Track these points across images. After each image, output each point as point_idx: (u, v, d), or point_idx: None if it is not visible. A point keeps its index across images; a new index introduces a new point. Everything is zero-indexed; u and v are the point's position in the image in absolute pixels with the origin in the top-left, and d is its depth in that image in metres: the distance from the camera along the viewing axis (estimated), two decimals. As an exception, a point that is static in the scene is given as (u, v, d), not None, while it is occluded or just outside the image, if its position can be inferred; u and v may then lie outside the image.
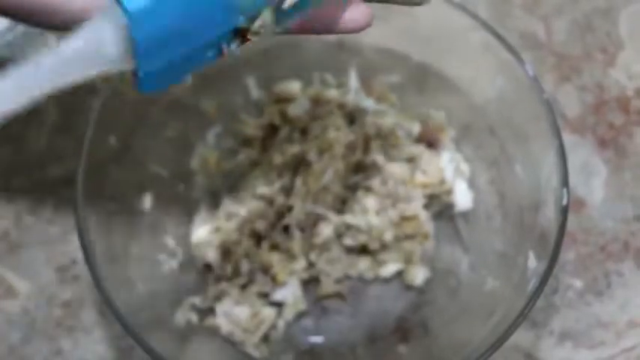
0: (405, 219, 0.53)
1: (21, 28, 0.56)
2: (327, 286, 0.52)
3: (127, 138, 0.51)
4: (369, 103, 0.56)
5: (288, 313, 0.52)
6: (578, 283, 0.53)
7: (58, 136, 0.57)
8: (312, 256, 0.52)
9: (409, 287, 0.53)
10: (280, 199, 0.52)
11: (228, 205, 0.54)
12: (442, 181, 0.54)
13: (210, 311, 0.51)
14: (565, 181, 0.46)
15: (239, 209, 0.53)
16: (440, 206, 0.54)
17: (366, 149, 0.53)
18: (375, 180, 0.53)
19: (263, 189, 0.53)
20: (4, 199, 0.56)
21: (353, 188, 0.53)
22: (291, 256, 0.52)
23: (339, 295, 0.53)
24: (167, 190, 0.54)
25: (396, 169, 0.53)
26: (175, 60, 0.30)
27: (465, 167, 0.54)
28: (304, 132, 0.54)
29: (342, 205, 0.53)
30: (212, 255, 0.52)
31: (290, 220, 0.52)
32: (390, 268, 0.53)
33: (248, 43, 0.32)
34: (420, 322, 0.52)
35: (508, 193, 0.52)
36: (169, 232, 0.53)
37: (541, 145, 0.48)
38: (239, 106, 0.56)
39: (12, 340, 0.52)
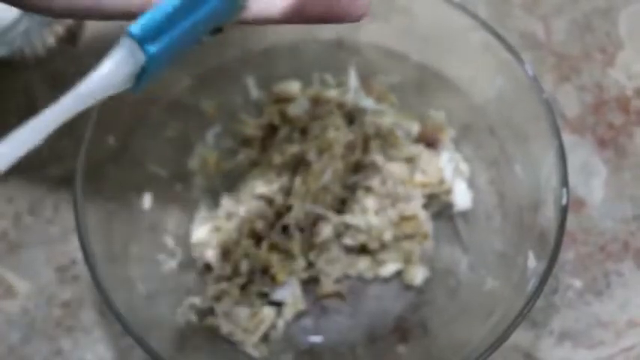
0: (404, 219, 0.53)
1: (37, 17, 0.56)
2: (327, 285, 0.52)
3: (126, 138, 0.51)
4: (368, 102, 0.56)
5: (288, 313, 0.52)
6: (577, 283, 0.53)
7: (57, 136, 0.57)
8: (312, 256, 0.52)
9: (408, 287, 0.53)
10: (280, 199, 0.52)
11: (227, 205, 0.54)
12: (441, 181, 0.54)
13: (209, 311, 0.51)
14: (565, 181, 0.46)
15: (238, 209, 0.53)
16: (439, 206, 0.54)
17: (366, 149, 0.53)
18: (375, 180, 0.53)
19: (262, 189, 0.53)
20: (3, 199, 0.56)
21: (352, 188, 0.53)
22: (290, 256, 0.52)
23: (338, 295, 0.53)
24: (166, 190, 0.54)
25: (396, 169, 0.53)
26: (176, 50, 0.30)
27: (464, 167, 0.54)
28: (304, 132, 0.54)
29: (341, 205, 0.53)
30: (211, 255, 0.52)
31: (289, 219, 0.52)
32: (389, 268, 0.53)
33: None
34: (419, 321, 0.52)
35: (508, 193, 0.52)
36: (169, 232, 0.53)
37: (541, 145, 0.48)
38: (238, 106, 0.56)
39: (11, 340, 0.52)
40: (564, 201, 0.45)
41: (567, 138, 0.55)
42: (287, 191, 0.52)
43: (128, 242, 0.50)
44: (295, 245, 0.52)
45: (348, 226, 0.52)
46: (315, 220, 0.52)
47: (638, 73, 0.59)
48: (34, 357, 0.52)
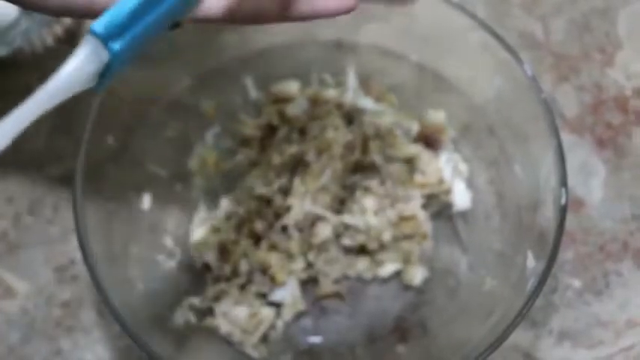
0: (403, 219, 0.53)
1: (36, 17, 0.56)
2: (326, 286, 0.52)
3: (125, 138, 0.51)
4: (367, 103, 0.56)
5: (287, 314, 0.52)
6: (577, 283, 0.53)
7: (56, 136, 0.57)
8: (311, 256, 0.52)
9: (408, 287, 0.53)
10: (279, 199, 0.52)
11: (226, 205, 0.54)
12: (441, 181, 0.54)
13: (208, 311, 0.51)
14: (564, 181, 0.46)
15: (238, 209, 0.53)
16: (438, 206, 0.54)
17: (365, 149, 0.53)
18: (374, 180, 0.53)
19: (261, 189, 0.53)
20: (3, 199, 0.56)
21: (351, 188, 0.53)
22: (289, 257, 0.52)
23: (337, 295, 0.53)
24: (166, 190, 0.54)
25: (395, 169, 0.53)
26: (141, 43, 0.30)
27: (463, 167, 0.54)
28: (302, 132, 0.54)
29: (340, 206, 0.53)
30: (211, 255, 0.52)
31: (288, 220, 0.52)
32: (388, 268, 0.53)
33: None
34: (418, 321, 0.52)
35: (507, 192, 0.52)
36: (168, 232, 0.53)
37: (540, 145, 0.48)
38: (238, 106, 0.56)
39: (11, 340, 0.52)
40: (563, 201, 0.45)
41: (566, 138, 0.55)
42: (286, 191, 0.52)
43: (127, 242, 0.50)
44: (294, 245, 0.52)
45: (347, 227, 0.52)
46: (314, 221, 0.52)
47: (636, 73, 0.59)
48: (33, 357, 0.52)
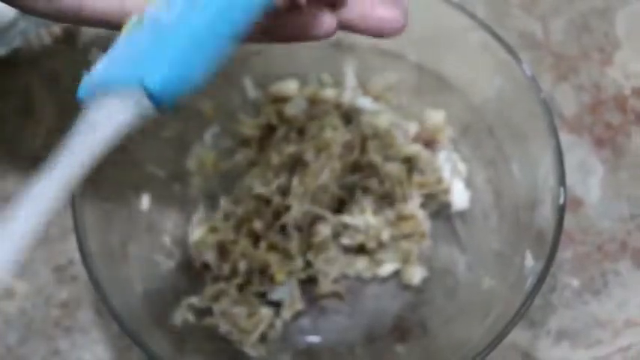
0: (402, 218, 0.53)
1: (34, 17, 0.56)
2: (325, 285, 0.52)
3: (124, 138, 0.50)
4: (366, 102, 0.56)
5: (286, 313, 0.52)
6: (575, 283, 0.53)
7: (54, 136, 0.57)
8: (310, 256, 0.52)
9: (407, 287, 0.53)
10: (277, 199, 0.52)
11: (225, 205, 0.54)
12: (439, 181, 0.54)
13: (207, 311, 0.51)
14: (562, 181, 0.46)
15: (236, 209, 0.53)
16: (437, 206, 0.54)
17: (363, 149, 0.53)
18: (372, 180, 0.53)
19: (260, 189, 0.53)
20: (1, 199, 0.56)
21: (350, 188, 0.53)
22: (288, 256, 0.52)
23: (336, 295, 0.53)
24: (164, 190, 0.54)
25: (393, 169, 0.53)
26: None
27: (462, 167, 0.55)
28: (301, 132, 0.54)
29: (339, 205, 0.53)
30: (209, 255, 0.52)
31: (287, 219, 0.52)
32: (387, 268, 0.53)
33: None
34: (417, 321, 0.52)
35: (505, 192, 0.52)
36: (167, 232, 0.53)
37: (538, 144, 0.48)
38: (236, 106, 0.56)
39: (9, 340, 0.52)
40: (562, 200, 0.45)
41: (565, 137, 0.55)
42: (285, 191, 0.52)
43: (126, 242, 0.50)
44: (293, 245, 0.52)
45: (346, 226, 0.52)
46: (313, 220, 0.52)
47: (635, 73, 0.59)
48: (31, 357, 0.52)
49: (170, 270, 0.52)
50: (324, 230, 0.52)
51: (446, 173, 0.54)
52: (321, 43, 0.55)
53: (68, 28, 0.59)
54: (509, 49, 0.49)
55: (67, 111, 0.58)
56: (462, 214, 0.54)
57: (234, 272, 0.52)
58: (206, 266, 0.53)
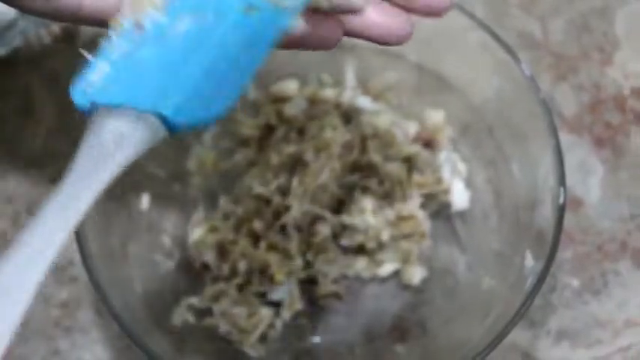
0: (402, 219, 0.53)
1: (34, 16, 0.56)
2: (325, 285, 0.52)
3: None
4: (366, 102, 0.56)
5: (286, 313, 0.52)
6: (575, 283, 0.53)
7: (54, 136, 0.57)
8: (310, 256, 0.52)
9: (406, 287, 0.53)
10: (277, 199, 0.52)
11: (225, 205, 0.54)
12: (439, 181, 0.54)
13: (207, 311, 0.51)
14: (562, 181, 0.46)
15: (236, 209, 0.53)
16: (437, 206, 0.54)
17: (363, 149, 0.53)
18: (372, 180, 0.53)
19: (260, 189, 0.53)
20: (2, 199, 0.56)
21: (350, 188, 0.53)
22: (288, 256, 0.52)
23: (336, 295, 0.53)
24: (164, 190, 0.54)
25: (393, 169, 0.53)
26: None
27: (462, 167, 0.55)
28: (301, 132, 0.54)
29: (339, 205, 0.53)
30: (209, 255, 0.52)
31: (287, 219, 0.52)
32: (387, 268, 0.53)
33: None
34: (417, 321, 0.52)
35: (505, 192, 0.52)
36: (167, 232, 0.53)
37: (538, 144, 0.48)
38: (236, 106, 0.56)
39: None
40: (562, 200, 0.45)
41: (564, 137, 0.55)
42: (284, 191, 0.52)
43: (126, 242, 0.50)
44: (293, 245, 0.52)
45: (345, 226, 0.52)
46: (313, 220, 0.52)
47: (635, 73, 0.59)
48: (31, 357, 0.52)
49: (170, 270, 0.52)
50: (323, 230, 0.52)
51: (446, 173, 0.54)
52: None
53: (68, 27, 0.59)
54: (509, 49, 0.49)
55: (67, 111, 0.58)
56: (462, 214, 0.54)
57: (233, 272, 0.52)
58: (206, 266, 0.53)
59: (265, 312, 0.51)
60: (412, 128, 0.55)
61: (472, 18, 0.49)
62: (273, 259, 0.52)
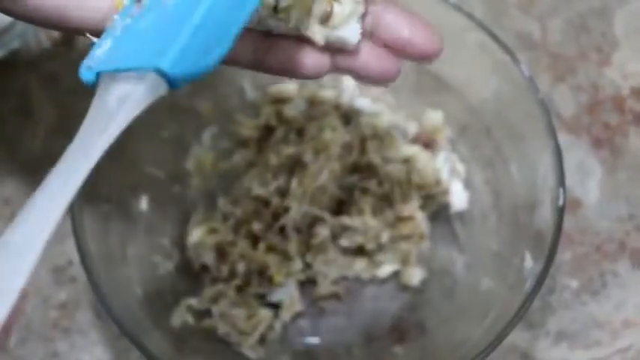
0: (401, 220, 0.53)
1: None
2: (324, 287, 0.52)
3: (122, 139, 0.50)
4: (365, 103, 0.56)
5: (285, 314, 0.52)
6: (574, 283, 0.53)
7: (53, 137, 0.57)
8: (309, 257, 0.52)
9: (405, 288, 0.53)
10: (276, 200, 0.52)
11: (224, 207, 0.54)
12: (438, 182, 0.54)
13: (206, 313, 0.51)
14: (561, 182, 0.46)
15: (235, 210, 0.53)
16: (436, 207, 0.54)
17: (362, 150, 0.53)
18: (371, 181, 0.53)
19: (259, 190, 0.53)
20: (0, 201, 0.56)
21: (349, 189, 0.53)
22: (287, 258, 0.52)
23: (335, 296, 0.53)
24: (163, 191, 0.54)
25: (392, 170, 0.53)
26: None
27: (460, 168, 0.55)
28: (300, 133, 0.54)
29: (338, 206, 0.53)
30: (208, 256, 0.52)
31: (286, 221, 0.52)
32: (386, 269, 0.53)
33: None
34: (416, 322, 0.52)
35: (504, 193, 0.52)
36: (165, 234, 0.53)
37: (537, 145, 0.48)
38: (235, 106, 0.56)
39: (8, 341, 0.52)
40: (561, 201, 0.45)
41: (563, 138, 0.55)
42: (284, 192, 0.52)
43: (125, 243, 0.50)
44: (292, 246, 0.52)
45: (345, 228, 0.52)
46: (312, 222, 0.52)
47: (633, 73, 0.59)
48: (30, 359, 0.51)
49: (169, 271, 0.52)
50: (323, 231, 0.52)
51: (445, 174, 0.54)
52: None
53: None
54: (507, 50, 0.49)
55: (66, 112, 0.59)
56: (461, 215, 0.54)
57: (232, 274, 0.52)
58: (205, 267, 0.53)
59: (264, 313, 0.51)
60: (411, 129, 0.55)
61: (471, 18, 0.49)
62: (272, 260, 0.52)
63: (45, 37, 0.58)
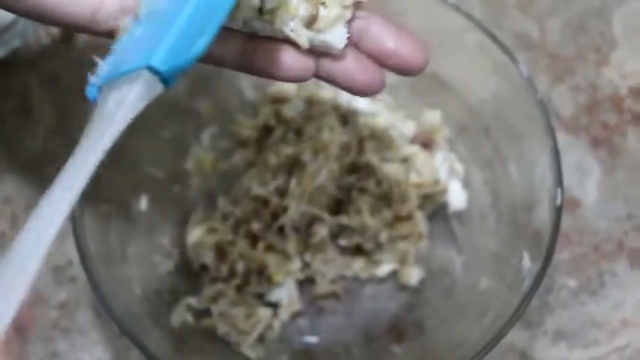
0: (399, 219, 0.53)
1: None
2: (323, 286, 0.53)
3: (122, 139, 0.50)
4: (363, 103, 0.56)
5: (284, 314, 0.52)
6: (572, 283, 0.53)
7: (53, 137, 0.57)
8: (307, 257, 0.52)
9: (404, 287, 0.53)
10: (275, 200, 0.52)
11: (223, 206, 0.54)
12: (436, 182, 0.54)
13: (206, 312, 0.51)
14: (559, 181, 0.46)
15: (234, 210, 0.53)
16: (434, 206, 0.54)
17: (361, 150, 0.54)
18: (370, 180, 0.53)
19: (258, 190, 0.53)
20: (0, 200, 0.56)
21: (348, 189, 0.53)
22: (286, 257, 0.52)
23: (334, 295, 0.53)
24: (163, 191, 0.54)
25: (391, 170, 0.53)
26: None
27: (459, 167, 0.55)
28: (299, 133, 0.54)
29: (336, 206, 0.53)
30: (208, 256, 0.52)
31: (285, 220, 0.52)
32: (384, 268, 0.53)
33: None
34: (414, 321, 0.52)
35: (502, 193, 0.52)
36: (165, 233, 0.53)
37: (535, 145, 0.48)
38: (234, 107, 0.56)
39: (8, 341, 0.52)
40: (559, 201, 0.45)
41: (561, 138, 0.55)
42: (283, 192, 0.53)
43: (125, 243, 0.50)
44: (291, 246, 0.52)
45: (343, 227, 0.52)
46: (311, 221, 0.52)
47: (632, 73, 0.59)
48: (30, 359, 0.52)
49: (169, 271, 0.53)
50: (321, 231, 0.52)
51: (443, 174, 0.54)
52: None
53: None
54: (506, 50, 0.49)
55: (66, 111, 0.59)
56: (460, 215, 0.54)
57: (232, 273, 0.52)
58: (204, 267, 0.53)
59: (263, 312, 0.52)
60: (409, 129, 0.55)
61: (469, 19, 0.50)
62: (271, 259, 0.52)
63: (45, 34, 0.58)
